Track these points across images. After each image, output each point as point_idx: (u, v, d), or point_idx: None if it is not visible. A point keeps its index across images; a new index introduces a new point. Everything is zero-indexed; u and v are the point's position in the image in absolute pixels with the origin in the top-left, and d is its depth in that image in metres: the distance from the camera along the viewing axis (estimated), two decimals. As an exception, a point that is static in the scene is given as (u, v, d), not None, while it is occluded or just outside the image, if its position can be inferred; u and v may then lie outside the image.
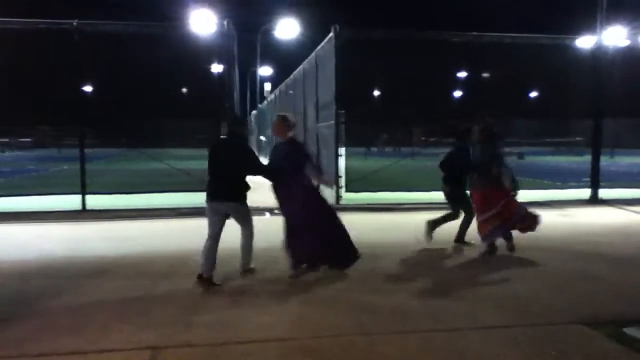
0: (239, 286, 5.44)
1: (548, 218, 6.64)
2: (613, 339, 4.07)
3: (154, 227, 8.78)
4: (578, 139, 14.23)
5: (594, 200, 11.61)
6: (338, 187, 11.10)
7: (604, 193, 11.85)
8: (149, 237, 7.91)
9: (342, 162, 11.35)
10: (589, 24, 12.49)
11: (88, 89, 14.10)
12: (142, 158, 13.41)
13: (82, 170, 10.26)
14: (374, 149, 32.49)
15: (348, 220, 8.86)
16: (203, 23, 12.25)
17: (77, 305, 4.89)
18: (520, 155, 25.00)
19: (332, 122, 11.21)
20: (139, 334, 4.17)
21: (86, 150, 10.65)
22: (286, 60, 28.09)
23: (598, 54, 12.12)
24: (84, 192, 10.20)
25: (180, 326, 4.33)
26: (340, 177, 11.19)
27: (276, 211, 9.79)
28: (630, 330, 4.23)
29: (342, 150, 11.42)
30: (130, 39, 10.81)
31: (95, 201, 10.25)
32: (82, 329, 4.28)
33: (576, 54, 12.42)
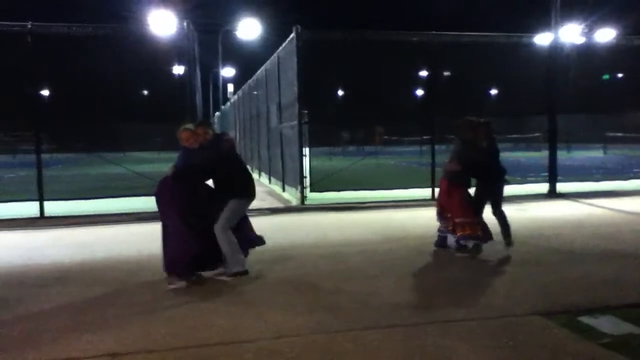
0: (198, 290, 5.38)
1: (507, 212, 6.71)
2: (567, 328, 4.19)
3: (113, 232, 8.62)
4: (536, 134, 14.60)
5: (552, 194, 11.92)
6: (303, 187, 11.12)
7: (561, 187, 12.19)
8: (107, 243, 7.76)
9: (306, 162, 11.37)
10: (547, 22, 12.82)
11: (44, 93, 13.73)
12: (101, 162, 13.14)
13: (39, 176, 9.99)
14: (338, 149, 32.65)
15: (313, 220, 8.93)
16: (162, 24, 12.11)
17: (33, 314, 4.76)
18: None
19: (296, 122, 11.22)
20: (97, 341, 4.08)
21: (43, 156, 10.37)
22: (249, 61, 28.00)
23: (554, 51, 12.46)
24: (41, 199, 9.93)
25: (139, 332, 4.26)
26: (305, 177, 11.20)
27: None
28: (584, 319, 4.35)
29: (306, 150, 11.45)
30: (87, 41, 10.58)
31: (53, 207, 9.99)
32: (38, 338, 4.16)
33: (533, 51, 12.73)
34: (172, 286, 5.36)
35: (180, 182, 5.47)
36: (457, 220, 6.36)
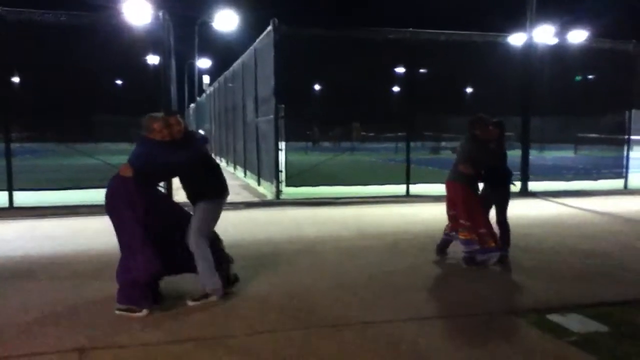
0: (171, 286, 5.31)
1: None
2: (536, 326, 4.27)
3: (84, 225, 8.46)
4: (509, 134, 14.88)
5: (524, 193, 12.11)
6: (278, 182, 11.09)
7: (533, 186, 12.41)
8: (78, 235, 7.63)
9: (282, 156, 11.34)
10: (522, 22, 12.99)
11: (14, 80, 13.40)
12: (73, 153, 12.88)
13: (9, 166, 9.75)
14: (315, 144, 32.64)
15: (288, 214, 8.89)
16: (138, 13, 11.90)
17: (0, 308, 4.66)
18: (454, 150, 25.78)
19: (272, 116, 11.17)
20: (64, 336, 4.01)
21: (13, 145, 10.13)
22: (226, 53, 27.73)
23: (528, 51, 12.64)
24: (10, 189, 9.71)
25: (109, 327, 4.20)
26: (281, 171, 11.17)
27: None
28: (553, 317, 4.44)
29: (282, 145, 11.41)
30: (61, 28, 10.34)
31: (22, 198, 9.77)
32: (5, 333, 4.07)
33: (508, 51, 12.89)
34: (121, 312, 4.47)
35: (139, 182, 4.53)
36: (463, 222, 5.96)
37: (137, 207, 4.50)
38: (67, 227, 8.25)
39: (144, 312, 4.46)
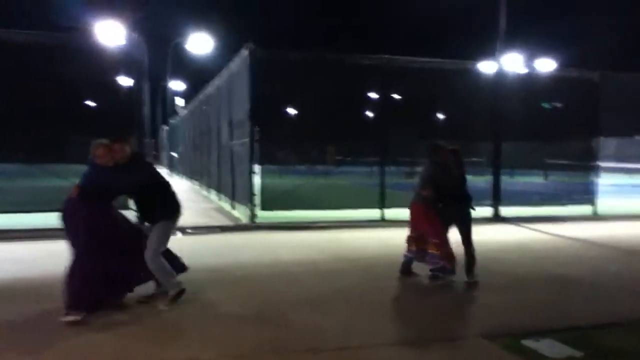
0: (142, 313, 5.19)
1: (452, 236, 6.73)
2: (510, 350, 4.28)
3: (52, 248, 8.19)
4: (478, 159, 15.10)
5: (496, 218, 12.26)
6: (253, 206, 11.01)
7: (504, 211, 12.54)
8: (46, 259, 7.40)
9: (256, 179, 11.29)
10: (492, 49, 13.30)
11: (-18, 99, 13.12)
12: (43, 174, 12.61)
13: (-26, 187, 9.49)
14: (290, 167, 32.56)
15: (263, 238, 8.83)
16: (111, 34, 11.82)
17: (-39, 335, 4.47)
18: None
19: (247, 139, 11.14)
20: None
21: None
22: (200, 74, 27.69)
23: (498, 78, 12.94)
24: (-24, 211, 9.43)
25: (78, 357, 4.06)
26: (255, 195, 11.10)
27: (189, 230, 9.61)
28: (526, 342, 4.45)
29: (256, 168, 11.37)
30: (33, 49, 10.21)
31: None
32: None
33: (478, 78, 13.18)
34: (68, 318, 4.69)
35: (88, 202, 4.93)
36: (432, 240, 6.16)
37: (85, 225, 4.87)
38: (34, 250, 8.07)
39: (80, 317, 4.71)
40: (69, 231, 4.94)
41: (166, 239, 5.33)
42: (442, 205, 6.31)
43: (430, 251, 6.20)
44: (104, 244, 4.97)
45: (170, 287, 5.28)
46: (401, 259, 6.61)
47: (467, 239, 6.34)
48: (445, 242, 6.19)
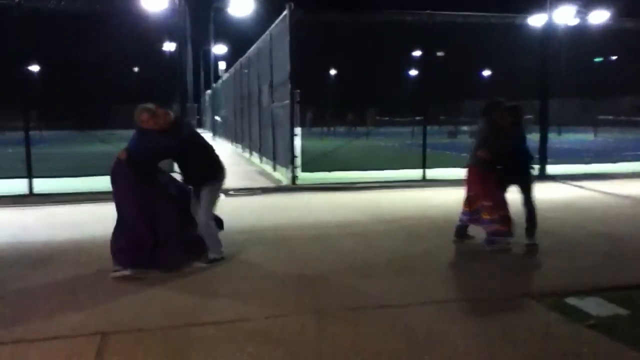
0: (187, 272, 5.37)
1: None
2: (555, 310, 4.23)
3: (102, 211, 8.52)
4: (528, 117, 14.62)
5: (542, 176, 11.97)
6: (294, 167, 11.10)
7: (552, 169, 12.25)
8: (97, 221, 7.69)
9: (297, 142, 11.33)
10: (541, 4, 12.72)
11: (32, 69, 13.52)
12: (91, 140, 13.02)
13: (28, 153, 9.89)
14: (331, 129, 32.48)
15: (304, 200, 8.93)
16: (153, 0, 11.89)
17: (21, 294, 4.74)
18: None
19: (287, 102, 11.15)
20: (87, 320, 4.08)
21: (32, 133, 10.26)
22: (242, 38, 27.64)
23: (547, 33, 12.41)
24: (30, 176, 9.85)
25: (130, 312, 4.26)
26: (296, 157, 11.17)
27: (231, 192, 9.80)
28: (570, 300, 4.40)
29: (297, 130, 11.40)
30: (77, 16, 10.40)
31: (42, 185, 9.91)
32: (27, 318, 4.15)
33: (527, 33, 12.66)
34: (117, 274, 5.03)
35: (134, 168, 5.11)
36: (485, 203, 5.94)
37: (131, 186, 5.13)
38: (86, 214, 8.37)
39: (129, 271, 5.03)
40: (117, 193, 5.18)
41: (215, 200, 5.54)
42: (500, 167, 6.05)
43: (484, 217, 6.00)
44: (150, 205, 5.17)
45: (213, 252, 5.52)
46: (449, 221, 6.48)
47: (528, 200, 6.08)
48: (500, 204, 5.94)
